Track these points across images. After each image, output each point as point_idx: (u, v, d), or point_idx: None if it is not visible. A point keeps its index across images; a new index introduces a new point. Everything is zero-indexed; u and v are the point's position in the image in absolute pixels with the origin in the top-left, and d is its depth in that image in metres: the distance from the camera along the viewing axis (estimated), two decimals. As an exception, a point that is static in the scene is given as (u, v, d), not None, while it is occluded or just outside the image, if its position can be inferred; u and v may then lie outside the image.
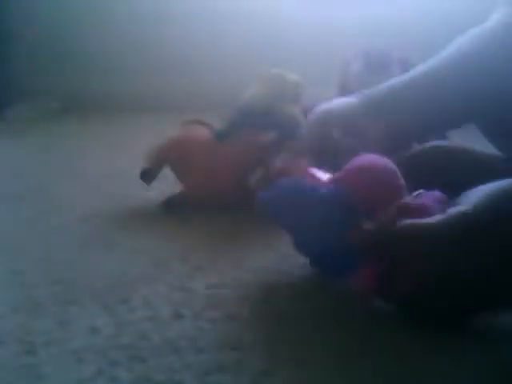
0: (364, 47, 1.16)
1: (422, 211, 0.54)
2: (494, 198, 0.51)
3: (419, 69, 0.72)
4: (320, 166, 0.65)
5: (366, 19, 1.69)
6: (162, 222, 0.83)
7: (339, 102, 0.74)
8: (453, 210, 0.52)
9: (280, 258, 0.69)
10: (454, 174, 0.67)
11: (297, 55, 1.61)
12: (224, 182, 0.85)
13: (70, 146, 1.37)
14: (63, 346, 0.52)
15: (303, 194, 0.59)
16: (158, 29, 1.86)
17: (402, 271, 0.52)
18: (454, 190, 0.56)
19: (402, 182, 0.57)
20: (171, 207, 0.87)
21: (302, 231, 0.62)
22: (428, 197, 0.56)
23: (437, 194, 0.56)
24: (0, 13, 1.86)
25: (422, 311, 0.53)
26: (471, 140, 0.77)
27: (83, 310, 0.58)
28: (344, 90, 1.07)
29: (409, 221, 0.52)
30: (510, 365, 0.49)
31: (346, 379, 0.47)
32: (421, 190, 0.57)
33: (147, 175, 0.88)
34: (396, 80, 0.72)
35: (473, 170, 0.72)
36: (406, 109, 0.70)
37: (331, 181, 0.59)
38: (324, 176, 0.61)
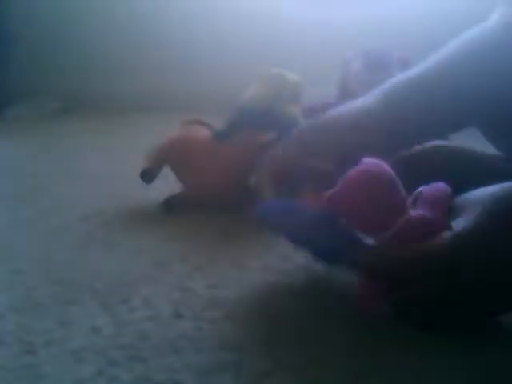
0: (364, 47, 1.16)
1: (423, 224, 0.53)
2: (494, 209, 0.51)
3: (417, 69, 0.71)
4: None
5: (366, 19, 1.68)
6: (162, 222, 0.83)
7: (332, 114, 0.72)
8: (455, 227, 0.51)
9: (280, 257, 0.69)
10: (454, 173, 0.67)
11: (297, 55, 1.61)
12: (224, 182, 0.85)
13: (70, 145, 1.37)
14: (63, 346, 0.52)
15: (293, 215, 0.60)
16: (158, 29, 1.86)
17: (400, 289, 0.53)
18: (454, 189, 0.56)
19: (403, 193, 0.56)
20: (171, 207, 0.87)
21: (299, 244, 0.63)
22: (430, 194, 0.55)
23: (441, 186, 0.56)
24: (0, 13, 1.87)
25: (421, 315, 0.53)
26: (471, 140, 0.77)
27: (83, 310, 0.58)
28: (344, 90, 1.07)
29: (408, 248, 0.52)
30: (510, 365, 0.49)
31: (345, 379, 0.47)
32: (421, 188, 0.56)
33: (147, 175, 0.88)
34: (393, 80, 0.71)
35: (473, 170, 0.72)
36: (406, 110, 0.69)
37: (326, 198, 0.57)
38: None
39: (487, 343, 0.51)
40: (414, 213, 0.54)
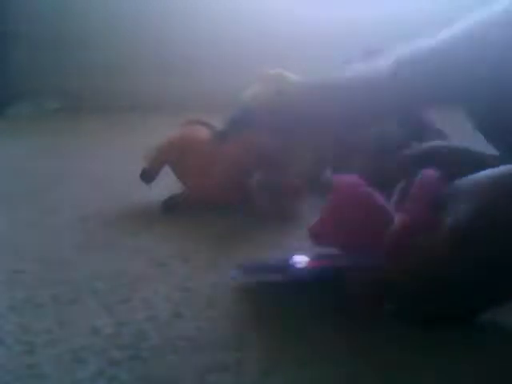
0: (364, 47, 1.15)
1: (407, 229, 0.53)
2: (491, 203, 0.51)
3: (425, 41, 0.71)
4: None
5: (367, 19, 1.69)
6: (162, 222, 0.83)
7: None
8: (449, 221, 0.52)
9: (280, 257, 0.69)
10: (454, 173, 0.67)
11: (297, 55, 1.61)
12: (224, 182, 0.85)
13: (70, 146, 1.37)
14: (63, 346, 0.52)
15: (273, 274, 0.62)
16: (158, 29, 1.86)
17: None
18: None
19: (382, 203, 0.56)
20: (171, 207, 0.87)
21: None
22: (417, 187, 0.55)
23: (429, 174, 0.56)
24: (0, 13, 1.87)
25: (421, 312, 0.53)
26: (471, 140, 0.77)
27: (83, 310, 0.58)
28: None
29: (408, 263, 0.52)
30: (510, 365, 0.49)
31: (345, 379, 0.47)
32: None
33: (147, 175, 0.88)
34: (404, 49, 0.71)
35: (473, 170, 0.72)
36: (417, 75, 0.69)
37: (311, 233, 0.58)
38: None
39: (487, 343, 0.51)
40: (397, 218, 0.54)
